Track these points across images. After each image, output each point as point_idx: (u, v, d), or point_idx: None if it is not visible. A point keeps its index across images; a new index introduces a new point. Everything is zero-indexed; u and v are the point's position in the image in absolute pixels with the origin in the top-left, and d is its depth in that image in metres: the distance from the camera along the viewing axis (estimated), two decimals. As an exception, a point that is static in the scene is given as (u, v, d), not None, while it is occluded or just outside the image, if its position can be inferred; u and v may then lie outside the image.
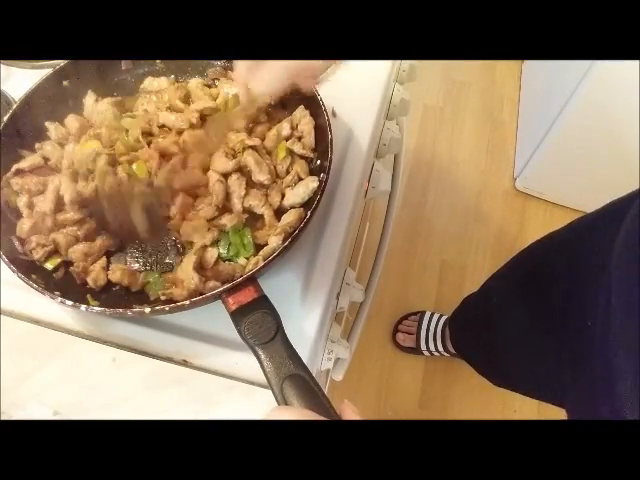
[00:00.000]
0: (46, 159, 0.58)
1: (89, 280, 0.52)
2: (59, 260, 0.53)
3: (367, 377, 1.34)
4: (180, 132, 0.59)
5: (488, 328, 0.89)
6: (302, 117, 0.59)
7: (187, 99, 0.63)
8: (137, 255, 0.56)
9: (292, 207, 0.56)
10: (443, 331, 1.33)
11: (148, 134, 0.60)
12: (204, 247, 0.54)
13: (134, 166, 0.56)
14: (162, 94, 0.63)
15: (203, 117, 0.61)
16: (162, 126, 0.60)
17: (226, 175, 0.56)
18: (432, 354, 1.35)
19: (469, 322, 1.04)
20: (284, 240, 0.52)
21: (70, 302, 0.48)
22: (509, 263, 0.88)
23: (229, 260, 0.54)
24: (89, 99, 0.62)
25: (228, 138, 0.58)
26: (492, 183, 1.63)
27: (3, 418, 0.49)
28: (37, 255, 0.52)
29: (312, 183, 0.55)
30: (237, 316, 0.46)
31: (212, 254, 0.53)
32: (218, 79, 0.65)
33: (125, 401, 0.50)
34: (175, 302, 0.48)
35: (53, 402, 0.50)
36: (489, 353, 0.91)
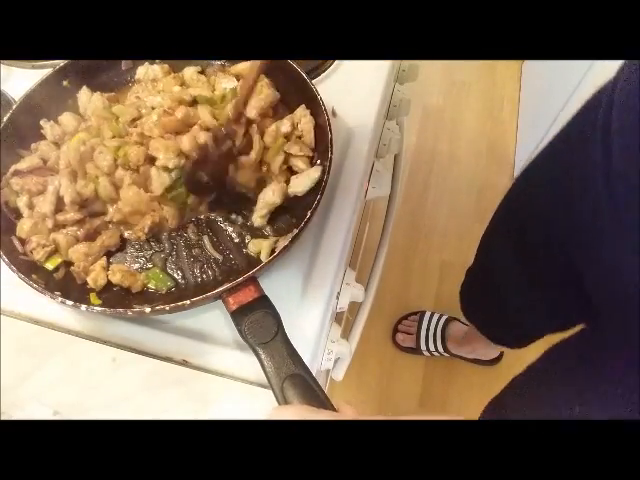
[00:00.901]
0: (44, 160, 0.58)
1: (89, 280, 0.52)
2: (59, 260, 0.53)
3: (367, 377, 1.34)
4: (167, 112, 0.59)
5: (492, 289, 0.88)
6: (302, 116, 0.59)
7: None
8: (137, 255, 0.56)
9: (295, 195, 0.57)
10: (443, 331, 1.33)
11: (138, 119, 0.60)
12: None
13: (120, 152, 0.55)
14: (157, 83, 0.63)
15: (194, 102, 0.61)
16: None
17: None
18: (432, 354, 1.35)
19: (475, 289, 1.01)
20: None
21: (70, 302, 0.48)
22: (494, 217, 0.87)
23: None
24: (83, 95, 0.62)
25: None
26: (492, 183, 1.63)
27: (3, 418, 0.49)
28: (37, 255, 0.52)
29: (315, 173, 0.55)
30: (238, 316, 0.46)
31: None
32: (216, 75, 0.65)
33: (125, 401, 0.50)
34: (175, 302, 0.48)
35: (53, 402, 0.50)
36: (500, 315, 0.91)
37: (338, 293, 0.62)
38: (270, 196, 0.55)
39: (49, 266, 0.53)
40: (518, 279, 0.77)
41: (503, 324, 0.95)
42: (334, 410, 0.38)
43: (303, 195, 0.56)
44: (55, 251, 0.54)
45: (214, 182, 0.56)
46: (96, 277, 0.52)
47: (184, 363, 0.52)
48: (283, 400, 0.40)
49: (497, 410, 0.81)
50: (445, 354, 1.34)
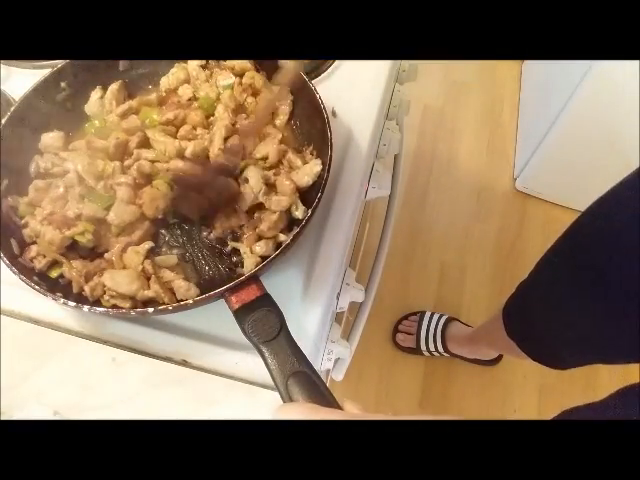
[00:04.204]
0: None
1: (86, 288, 0.51)
2: (61, 270, 0.52)
3: (367, 377, 1.34)
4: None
5: (543, 309, 0.86)
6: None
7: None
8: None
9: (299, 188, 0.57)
10: (443, 331, 1.33)
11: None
12: None
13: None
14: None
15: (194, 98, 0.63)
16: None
17: None
18: (432, 354, 1.35)
19: (524, 307, 0.97)
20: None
21: (73, 303, 0.47)
22: (559, 240, 0.85)
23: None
24: (94, 95, 0.62)
25: None
26: (492, 183, 1.63)
27: (3, 418, 0.49)
28: (39, 264, 0.51)
29: (316, 167, 0.55)
30: (240, 314, 0.46)
31: None
32: (212, 71, 0.64)
33: (125, 401, 0.50)
34: (179, 301, 0.48)
35: (53, 402, 0.50)
36: (547, 336, 0.88)
37: (338, 293, 0.62)
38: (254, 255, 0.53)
39: (52, 274, 0.52)
40: (576, 307, 0.75)
41: (549, 345, 0.91)
42: (339, 407, 0.38)
43: (303, 193, 0.56)
44: (56, 262, 0.53)
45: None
46: (95, 286, 0.51)
47: (184, 363, 0.52)
48: (288, 398, 0.40)
49: None
50: (445, 354, 1.34)
